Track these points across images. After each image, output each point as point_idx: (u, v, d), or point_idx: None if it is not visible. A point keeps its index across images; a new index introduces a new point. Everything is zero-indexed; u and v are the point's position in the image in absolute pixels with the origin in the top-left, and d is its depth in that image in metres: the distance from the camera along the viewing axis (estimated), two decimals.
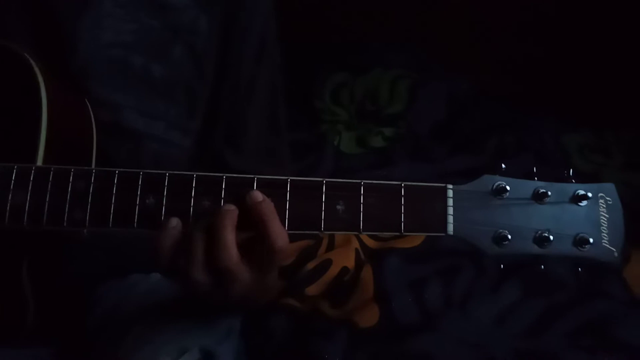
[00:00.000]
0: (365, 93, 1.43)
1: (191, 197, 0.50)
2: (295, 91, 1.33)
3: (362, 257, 0.98)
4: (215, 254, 0.48)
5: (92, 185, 0.51)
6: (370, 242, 1.01)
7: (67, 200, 0.51)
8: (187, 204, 0.50)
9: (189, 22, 0.67)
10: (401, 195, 0.48)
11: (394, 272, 0.93)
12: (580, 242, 0.48)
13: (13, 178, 0.52)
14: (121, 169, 0.51)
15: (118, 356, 0.63)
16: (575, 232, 0.48)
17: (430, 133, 1.36)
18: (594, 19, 1.43)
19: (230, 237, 0.48)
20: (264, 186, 0.49)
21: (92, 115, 0.62)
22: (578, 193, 0.48)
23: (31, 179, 0.52)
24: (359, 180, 0.48)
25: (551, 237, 0.47)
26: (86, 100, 0.63)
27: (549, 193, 0.48)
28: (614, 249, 0.48)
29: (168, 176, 0.50)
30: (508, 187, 0.48)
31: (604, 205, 0.48)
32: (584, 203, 0.48)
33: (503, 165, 0.50)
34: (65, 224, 0.51)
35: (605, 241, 0.48)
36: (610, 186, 0.49)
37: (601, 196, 0.49)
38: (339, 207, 0.48)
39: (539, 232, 0.48)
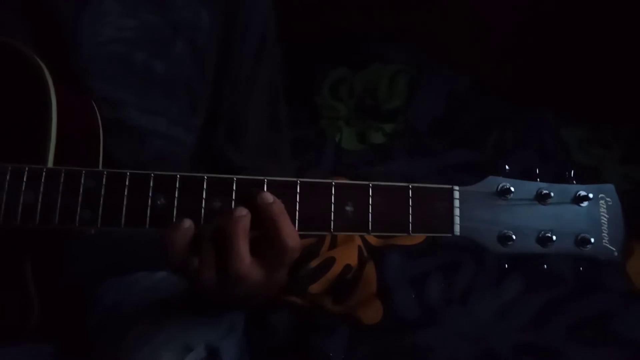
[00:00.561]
0: (365, 88, 1.43)
1: (202, 198, 0.50)
2: (295, 87, 1.32)
3: (365, 255, 0.99)
4: (227, 260, 0.49)
5: (103, 186, 0.51)
6: (372, 240, 1.02)
7: (79, 201, 0.51)
8: (198, 205, 0.50)
9: (190, 18, 0.67)
10: (409, 197, 0.49)
11: (395, 269, 0.94)
12: (582, 241, 0.49)
13: (24, 179, 0.53)
14: (132, 171, 0.52)
15: (119, 354, 0.63)
16: (577, 232, 0.49)
17: (430, 128, 1.36)
18: (592, 15, 1.44)
19: (242, 245, 0.49)
20: (274, 187, 0.50)
21: (98, 116, 0.63)
22: (579, 194, 0.50)
23: (42, 180, 0.53)
24: (367, 182, 0.49)
25: (554, 237, 0.49)
26: (92, 100, 0.63)
27: (552, 194, 0.49)
28: (614, 249, 0.50)
29: (179, 177, 0.51)
30: (512, 188, 0.49)
31: (604, 206, 0.50)
32: (585, 204, 0.50)
33: (507, 167, 0.51)
34: (76, 224, 0.52)
35: (606, 241, 0.50)
36: (610, 187, 0.51)
37: (601, 197, 0.50)
38: (347, 208, 0.49)
39: (542, 232, 0.49)
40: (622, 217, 0.50)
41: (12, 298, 0.57)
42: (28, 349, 0.65)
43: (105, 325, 0.68)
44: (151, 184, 0.51)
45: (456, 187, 0.49)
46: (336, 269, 0.96)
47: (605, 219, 0.50)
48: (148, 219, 0.51)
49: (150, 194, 0.51)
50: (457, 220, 0.49)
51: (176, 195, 0.51)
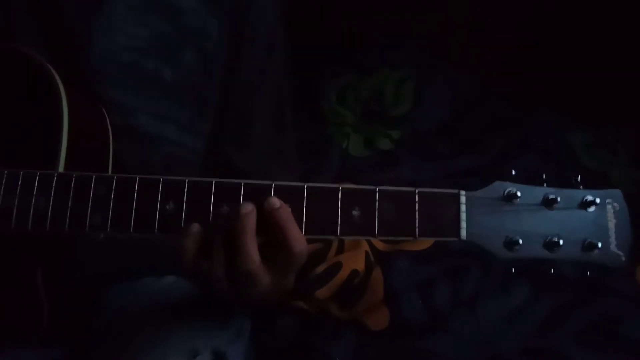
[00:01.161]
0: (371, 94, 1.43)
1: (210, 203, 0.51)
2: (301, 92, 1.33)
3: (372, 260, 0.99)
4: (237, 259, 0.50)
5: (113, 191, 0.52)
6: (379, 245, 1.02)
7: (89, 206, 0.52)
8: (207, 209, 0.51)
9: (199, 26, 0.68)
10: (415, 201, 0.49)
11: (403, 274, 0.94)
12: (589, 247, 0.49)
13: (36, 184, 0.54)
14: (141, 176, 0.52)
15: (127, 358, 0.63)
16: (584, 238, 0.49)
17: (436, 133, 1.36)
18: (597, 16, 1.44)
19: (251, 243, 0.49)
20: (281, 192, 0.51)
21: (108, 121, 0.63)
22: (586, 199, 0.49)
23: (53, 185, 0.53)
24: (374, 187, 0.50)
25: (560, 242, 0.49)
26: (102, 106, 0.64)
27: (558, 199, 0.49)
28: (622, 254, 0.49)
29: (188, 182, 0.52)
30: (519, 193, 0.49)
31: (612, 211, 0.50)
32: (592, 209, 0.49)
33: (513, 172, 0.51)
34: (87, 229, 0.52)
35: (613, 246, 0.49)
36: (617, 192, 0.50)
37: (609, 202, 0.50)
38: (354, 212, 0.49)
39: (549, 237, 0.49)
40: (630, 222, 0.50)
41: (23, 302, 0.57)
42: (37, 352, 0.65)
43: (112, 329, 0.69)
44: (160, 189, 0.52)
45: (463, 192, 0.50)
46: (343, 274, 0.96)
47: (613, 224, 0.50)
48: (157, 224, 0.51)
49: (159, 199, 0.51)
50: (463, 225, 0.49)
51: (185, 200, 0.51)
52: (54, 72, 0.58)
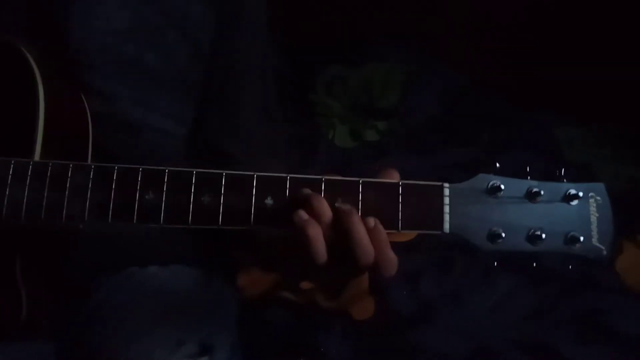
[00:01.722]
0: (359, 86, 1.43)
1: (191, 193, 0.50)
2: (290, 84, 1.32)
3: None
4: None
5: (90, 180, 0.51)
6: None
7: (66, 196, 0.51)
8: (187, 200, 0.50)
9: (183, 9, 0.67)
10: (399, 194, 0.49)
11: None
12: (571, 240, 0.49)
13: (10, 173, 0.52)
14: (120, 165, 0.51)
15: (112, 348, 0.63)
16: (567, 231, 0.49)
17: (424, 126, 1.37)
18: (588, 14, 1.45)
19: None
20: (263, 183, 0.50)
21: (87, 109, 0.62)
22: (569, 192, 0.49)
23: (29, 174, 0.52)
24: (358, 179, 0.49)
25: (543, 235, 0.49)
26: (81, 93, 0.62)
27: (542, 192, 0.49)
28: (603, 247, 0.50)
29: (168, 172, 0.51)
30: (502, 186, 0.49)
31: (594, 205, 0.50)
32: (575, 202, 0.49)
33: (497, 164, 0.51)
34: (63, 219, 0.51)
35: (595, 239, 0.50)
36: (600, 186, 0.50)
37: (591, 195, 0.50)
38: (337, 204, 0.48)
39: (532, 230, 0.49)
40: (612, 216, 0.50)
41: (1, 294, 0.56)
42: (27, 345, 0.64)
43: (97, 319, 0.68)
44: (139, 179, 0.51)
45: (446, 184, 0.49)
46: None
47: (595, 218, 0.50)
48: (136, 213, 0.50)
49: (138, 189, 0.50)
50: (447, 217, 0.49)
51: (164, 190, 0.50)
52: (30, 57, 0.57)
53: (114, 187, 0.51)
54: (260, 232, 0.54)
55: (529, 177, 0.50)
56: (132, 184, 0.50)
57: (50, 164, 0.52)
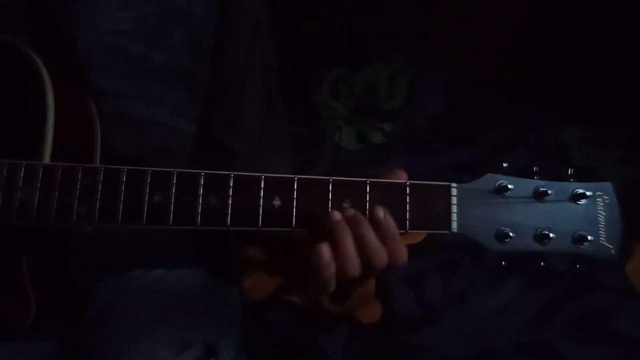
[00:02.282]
0: (364, 88, 1.43)
1: (199, 195, 0.50)
2: (294, 86, 1.33)
3: None
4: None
5: (100, 182, 0.51)
6: None
7: (76, 198, 0.51)
8: (196, 201, 0.50)
9: (186, 7, 0.67)
10: (406, 194, 0.49)
11: None
12: (579, 239, 0.49)
13: (21, 175, 0.53)
14: (129, 167, 0.52)
15: (116, 349, 0.63)
16: (574, 230, 0.49)
17: (428, 127, 1.36)
18: (590, 14, 1.45)
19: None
20: (270, 183, 0.50)
21: (94, 110, 0.62)
22: (577, 192, 0.49)
23: (39, 176, 0.52)
24: (365, 179, 0.49)
25: (551, 235, 0.49)
26: (88, 95, 0.63)
27: (549, 192, 0.49)
28: (611, 246, 0.49)
29: (176, 174, 0.51)
30: (510, 186, 0.49)
31: (602, 204, 0.50)
32: (583, 202, 0.49)
33: (505, 164, 0.51)
34: (73, 221, 0.52)
35: (603, 239, 0.49)
36: (607, 185, 0.50)
37: (599, 195, 0.50)
38: (345, 205, 0.49)
39: (540, 229, 0.49)
40: (620, 215, 0.50)
41: (8, 295, 0.57)
42: (29, 345, 0.65)
43: (102, 321, 0.69)
44: (148, 181, 0.51)
45: (454, 185, 0.49)
46: None
47: (603, 217, 0.50)
48: (145, 215, 0.51)
49: (147, 190, 0.51)
50: (454, 217, 0.49)
51: (173, 191, 0.50)
52: (39, 61, 0.57)
53: (123, 189, 0.51)
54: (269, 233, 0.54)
55: (536, 177, 0.50)
56: (141, 186, 0.51)
57: (60, 167, 0.53)
